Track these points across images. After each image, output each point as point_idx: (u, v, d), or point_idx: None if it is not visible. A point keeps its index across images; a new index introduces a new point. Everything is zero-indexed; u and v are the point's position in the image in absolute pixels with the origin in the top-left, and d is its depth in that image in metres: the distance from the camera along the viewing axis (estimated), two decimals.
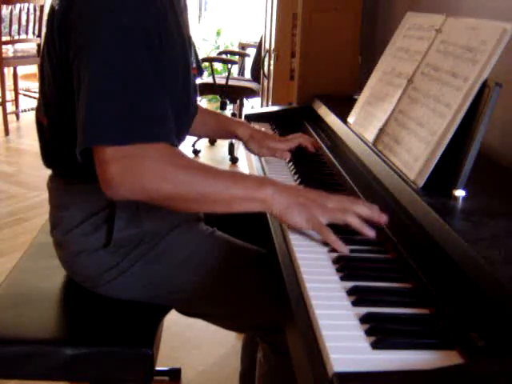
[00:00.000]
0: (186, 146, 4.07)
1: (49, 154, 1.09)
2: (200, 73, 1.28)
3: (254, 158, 1.41)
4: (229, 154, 4.02)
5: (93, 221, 1.05)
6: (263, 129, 1.50)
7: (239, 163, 4.00)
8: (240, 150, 4.03)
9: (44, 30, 1.06)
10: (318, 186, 1.16)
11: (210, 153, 4.30)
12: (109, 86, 0.86)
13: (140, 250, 1.05)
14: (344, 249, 0.85)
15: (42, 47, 1.04)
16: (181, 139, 1.10)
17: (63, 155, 1.03)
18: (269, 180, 0.95)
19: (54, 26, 0.94)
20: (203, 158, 4.10)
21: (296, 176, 1.23)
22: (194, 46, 1.20)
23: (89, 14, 0.89)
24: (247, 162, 1.48)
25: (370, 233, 0.88)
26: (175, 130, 0.95)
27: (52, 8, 0.97)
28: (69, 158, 0.94)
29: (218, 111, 1.50)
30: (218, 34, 5.81)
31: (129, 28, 0.88)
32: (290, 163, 1.31)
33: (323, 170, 1.29)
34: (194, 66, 1.16)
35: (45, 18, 4.71)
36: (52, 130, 1.05)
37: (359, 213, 0.89)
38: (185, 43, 1.04)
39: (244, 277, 1.09)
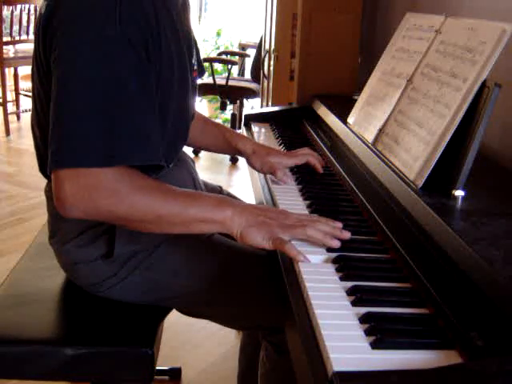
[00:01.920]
0: (186, 147, 4.06)
1: (44, 164, 1.04)
2: (201, 73, 1.25)
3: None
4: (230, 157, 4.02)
5: (91, 233, 1.04)
6: (263, 130, 1.49)
7: (239, 163, 4.00)
8: None
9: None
10: (317, 186, 1.16)
11: (210, 153, 4.29)
12: (86, 101, 0.82)
13: (138, 258, 1.05)
14: (306, 259, 0.84)
15: (32, 57, 0.99)
16: (177, 147, 1.08)
17: None
18: (228, 200, 0.93)
19: (40, 32, 0.91)
20: (203, 158, 4.10)
21: (295, 176, 1.23)
22: (197, 47, 1.16)
23: (71, 25, 0.85)
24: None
25: (334, 243, 0.87)
26: (170, 136, 0.93)
27: (40, 13, 0.93)
28: None
29: (220, 123, 1.44)
30: (218, 34, 5.81)
31: (111, 39, 0.83)
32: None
33: (323, 169, 1.29)
34: (195, 67, 1.13)
35: None
36: (45, 143, 0.99)
37: (319, 229, 0.88)
38: (182, 48, 0.99)
39: (244, 278, 1.08)
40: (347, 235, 0.89)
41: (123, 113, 0.84)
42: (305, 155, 1.24)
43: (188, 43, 1.06)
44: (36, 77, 0.97)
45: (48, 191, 1.11)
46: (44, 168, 1.06)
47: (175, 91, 0.98)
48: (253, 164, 1.26)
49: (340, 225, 0.91)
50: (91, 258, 1.04)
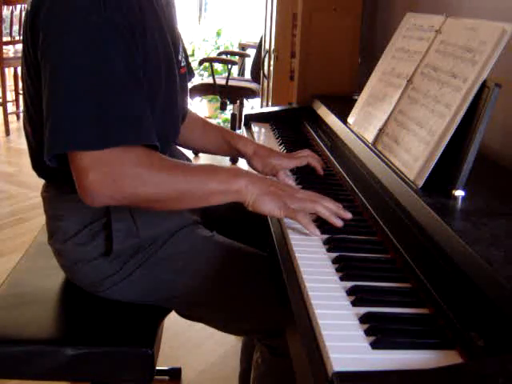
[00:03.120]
0: (187, 149, 4.06)
1: (38, 164, 1.06)
2: (190, 74, 1.24)
3: None
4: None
5: (89, 230, 1.04)
6: (263, 130, 1.49)
7: (239, 163, 4.00)
8: None
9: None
10: (317, 186, 1.16)
11: None
12: (77, 87, 0.84)
13: (139, 257, 1.05)
14: (317, 232, 0.91)
15: (21, 53, 1.00)
16: (168, 140, 1.08)
17: (51, 166, 1.00)
18: (242, 171, 0.98)
19: (27, 27, 0.92)
20: (203, 158, 4.10)
21: (295, 176, 1.23)
22: (184, 47, 1.17)
23: (57, 13, 0.86)
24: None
25: (338, 222, 0.93)
26: (160, 128, 0.93)
27: (26, 10, 0.94)
28: (57, 170, 0.91)
29: (221, 125, 1.43)
30: (218, 34, 5.81)
31: (98, 25, 0.85)
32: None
33: (323, 169, 1.29)
34: (183, 64, 1.14)
35: None
36: (36, 139, 1.01)
37: (326, 205, 0.94)
38: (166, 40, 1.01)
39: (244, 280, 1.08)
40: (349, 215, 0.95)
41: (112, 96, 0.85)
42: (305, 157, 1.24)
43: (172, 35, 1.06)
44: (25, 73, 0.98)
45: (44, 192, 1.11)
46: (37, 165, 1.06)
47: (162, 81, 0.99)
48: (254, 165, 1.25)
49: (340, 206, 0.97)
50: (91, 257, 1.04)
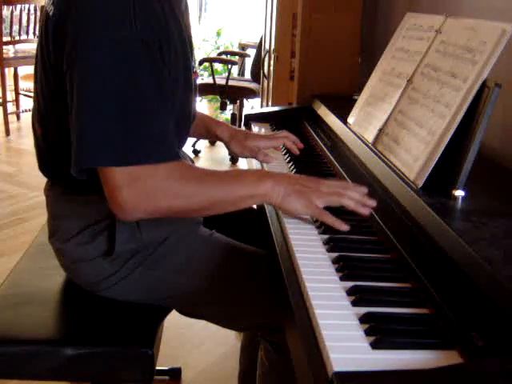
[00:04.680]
0: (186, 147, 4.07)
1: (44, 164, 1.07)
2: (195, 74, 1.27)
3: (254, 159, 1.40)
4: (229, 154, 4.01)
5: (91, 230, 1.04)
6: (263, 130, 1.49)
7: (239, 163, 4.00)
8: None
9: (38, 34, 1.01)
10: None
11: (210, 153, 4.30)
12: (107, 103, 0.84)
13: (139, 256, 1.05)
14: (344, 227, 0.91)
15: (36, 52, 1.00)
16: (181, 146, 1.10)
17: (59, 167, 1.00)
18: (266, 173, 1.00)
19: (49, 32, 0.91)
20: (203, 159, 4.10)
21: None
22: (193, 49, 1.19)
23: (85, 26, 0.85)
24: (247, 163, 1.47)
25: (365, 211, 0.95)
26: (175, 138, 0.94)
27: (46, 13, 0.94)
28: (64, 170, 0.92)
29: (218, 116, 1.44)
30: (218, 34, 5.81)
31: (127, 40, 0.85)
32: (290, 163, 1.31)
33: (323, 169, 1.29)
34: (195, 69, 1.15)
35: None
36: (47, 141, 1.02)
37: (351, 197, 0.95)
38: (186, 49, 1.02)
39: (244, 278, 1.09)
40: (374, 203, 0.96)
41: (138, 113, 0.86)
42: (282, 138, 1.31)
43: (190, 44, 1.07)
44: (41, 74, 0.98)
45: (47, 190, 1.11)
46: (44, 166, 1.07)
47: (180, 91, 1.00)
48: (233, 150, 1.31)
49: (366, 190, 0.98)
50: (92, 256, 1.04)
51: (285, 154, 1.38)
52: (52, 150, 1.03)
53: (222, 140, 1.33)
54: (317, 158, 1.37)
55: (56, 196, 1.09)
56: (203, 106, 5.35)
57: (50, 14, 0.92)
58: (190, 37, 1.10)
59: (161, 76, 0.90)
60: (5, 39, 4.14)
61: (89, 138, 0.85)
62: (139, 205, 0.87)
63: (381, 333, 0.65)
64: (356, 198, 0.95)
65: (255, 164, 1.36)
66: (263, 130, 1.65)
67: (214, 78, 3.99)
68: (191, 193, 0.91)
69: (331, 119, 1.47)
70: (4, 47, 4.15)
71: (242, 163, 3.98)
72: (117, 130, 0.84)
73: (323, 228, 0.94)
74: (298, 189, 0.95)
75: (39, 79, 0.99)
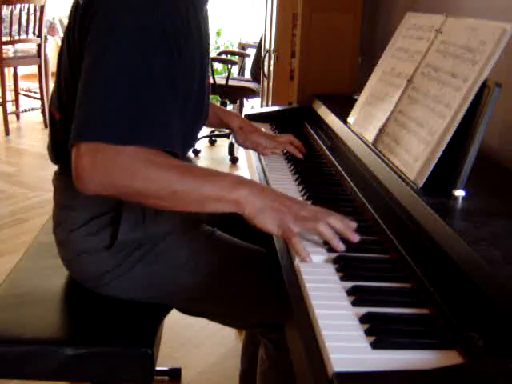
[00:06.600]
0: None
1: (58, 150, 1.08)
2: None
3: (254, 158, 1.41)
4: (229, 154, 4.02)
5: (97, 222, 1.05)
6: (263, 130, 1.49)
7: (239, 163, 4.00)
8: (240, 150, 4.03)
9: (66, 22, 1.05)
10: (317, 186, 1.16)
11: (210, 153, 4.31)
12: (116, 83, 0.85)
13: (141, 251, 1.05)
14: (308, 259, 0.84)
15: (61, 40, 1.03)
16: (191, 144, 1.11)
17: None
18: (246, 181, 0.92)
19: (77, 21, 0.94)
20: (203, 158, 4.10)
21: (296, 176, 1.23)
22: (209, 56, 1.19)
23: (108, 12, 0.88)
24: (247, 162, 1.47)
25: (339, 246, 0.86)
26: (185, 135, 0.94)
27: (77, 2, 0.97)
28: None
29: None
30: (218, 34, 5.81)
31: (147, 29, 0.87)
32: (290, 163, 1.31)
33: (323, 169, 1.29)
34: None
35: (47, 17, 4.72)
36: (64, 125, 1.03)
37: (332, 224, 0.87)
38: (204, 50, 1.02)
39: (244, 276, 1.09)
40: (356, 239, 0.87)
41: (148, 99, 0.87)
42: (284, 143, 1.37)
43: (207, 51, 1.08)
44: (65, 61, 1.00)
45: (55, 181, 1.12)
46: (57, 152, 1.09)
47: (194, 91, 1.00)
48: (237, 138, 1.40)
49: (354, 225, 0.89)
50: (95, 248, 1.05)
51: (285, 154, 1.39)
52: (67, 135, 1.04)
53: (230, 127, 1.39)
54: (317, 158, 1.37)
55: (64, 185, 1.09)
56: None
57: (81, 2, 0.94)
58: (208, 44, 1.11)
59: (175, 69, 0.91)
60: (4, 39, 4.14)
61: (90, 115, 0.85)
62: (95, 176, 0.85)
63: (381, 333, 0.65)
64: (337, 227, 0.87)
65: (255, 164, 1.36)
66: (263, 130, 1.65)
67: (214, 78, 3.99)
68: (152, 177, 0.86)
69: (331, 119, 1.47)
70: (4, 47, 4.15)
71: (242, 163, 3.98)
72: (122, 111, 0.85)
73: None
74: (276, 206, 0.88)
75: (63, 67, 1.01)
